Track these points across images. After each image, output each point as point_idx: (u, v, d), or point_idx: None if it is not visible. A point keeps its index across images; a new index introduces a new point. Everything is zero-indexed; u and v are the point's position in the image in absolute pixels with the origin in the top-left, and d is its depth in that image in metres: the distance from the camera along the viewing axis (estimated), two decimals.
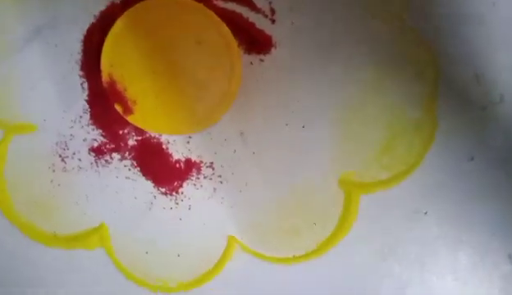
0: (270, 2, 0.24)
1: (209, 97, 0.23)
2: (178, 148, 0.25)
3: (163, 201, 0.26)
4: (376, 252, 0.25)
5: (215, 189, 0.25)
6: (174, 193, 0.26)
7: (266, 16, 0.24)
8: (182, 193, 0.26)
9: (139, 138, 0.25)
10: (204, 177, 0.25)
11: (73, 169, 0.26)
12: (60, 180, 0.26)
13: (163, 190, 0.26)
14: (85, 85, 0.25)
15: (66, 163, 0.26)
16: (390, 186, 0.24)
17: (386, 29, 0.23)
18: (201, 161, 0.25)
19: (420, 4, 0.23)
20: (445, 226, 0.24)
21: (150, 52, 0.23)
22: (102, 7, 0.24)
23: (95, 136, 0.26)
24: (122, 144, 0.26)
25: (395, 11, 0.23)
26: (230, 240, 0.26)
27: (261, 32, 0.24)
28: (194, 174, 0.25)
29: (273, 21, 0.24)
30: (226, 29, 0.23)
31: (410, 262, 0.25)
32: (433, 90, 0.23)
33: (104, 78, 0.24)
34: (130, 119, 0.24)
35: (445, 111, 0.24)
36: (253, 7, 0.24)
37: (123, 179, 0.26)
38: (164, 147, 0.25)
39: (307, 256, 0.25)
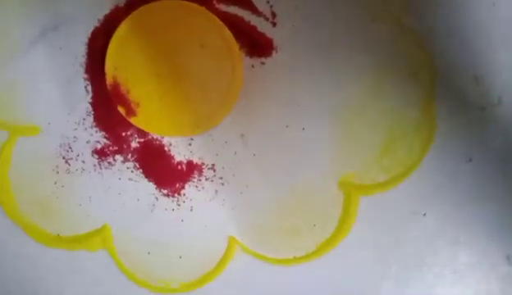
0: (271, 6, 0.24)
1: (211, 100, 0.23)
2: (180, 150, 0.25)
3: (165, 202, 0.26)
4: (375, 254, 0.25)
5: (216, 191, 0.26)
6: (176, 195, 0.26)
7: (267, 20, 0.24)
8: (184, 195, 0.26)
9: (142, 140, 0.25)
10: (206, 179, 0.25)
11: (76, 170, 0.26)
12: (63, 182, 0.26)
13: (165, 192, 0.26)
14: (89, 88, 0.25)
15: (69, 165, 0.26)
16: (389, 188, 0.24)
17: (386, 30, 0.23)
18: (203, 163, 0.25)
19: (420, 5, 0.23)
20: (443, 227, 0.24)
21: (154, 55, 0.23)
22: (107, 11, 0.25)
23: (98, 138, 0.26)
24: (125, 146, 0.26)
25: (395, 11, 0.23)
26: (231, 241, 0.26)
27: (262, 35, 0.24)
28: (196, 175, 0.25)
29: (274, 24, 0.24)
30: (228, 33, 0.23)
31: (409, 263, 0.25)
32: (431, 91, 0.23)
33: (108, 81, 0.24)
34: (132, 121, 0.24)
35: (444, 113, 0.24)
36: (255, 11, 0.24)
37: (126, 180, 0.26)
38: (166, 149, 0.25)
39: (307, 257, 0.25)
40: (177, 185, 0.26)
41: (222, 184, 0.25)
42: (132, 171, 0.26)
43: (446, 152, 0.24)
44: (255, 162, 0.25)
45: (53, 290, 0.27)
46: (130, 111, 0.24)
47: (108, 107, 0.25)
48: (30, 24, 0.25)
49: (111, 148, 0.26)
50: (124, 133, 0.26)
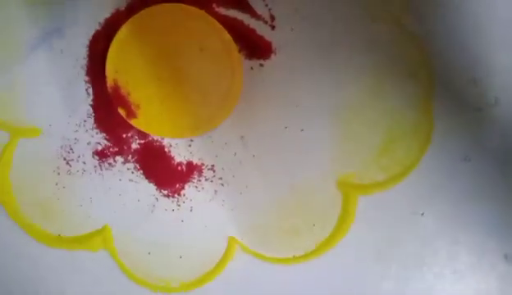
0: (270, 9, 0.24)
1: (211, 103, 0.23)
2: (180, 151, 0.25)
3: (165, 203, 0.26)
4: (374, 253, 0.25)
5: (216, 191, 0.26)
6: (176, 196, 0.26)
7: (266, 23, 0.24)
8: (184, 195, 0.26)
9: (142, 141, 0.26)
10: (206, 179, 0.26)
11: (77, 172, 0.26)
12: (64, 183, 0.26)
13: (165, 192, 0.26)
14: (90, 90, 0.26)
15: (70, 166, 0.26)
16: (387, 187, 0.24)
17: (386, 30, 0.23)
18: (202, 164, 0.25)
19: (420, 5, 0.23)
20: (442, 227, 0.24)
21: (154, 58, 0.23)
22: (108, 14, 0.25)
23: (99, 139, 0.26)
24: (125, 147, 0.26)
25: (395, 11, 0.23)
26: (231, 241, 0.26)
27: (261, 38, 0.24)
28: (196, 176, 0.26)
29: (273, 27, 0.24)
30: (227, 36, 0.23)
31: (408, 263, 0.25)
32: (430, 91, 0.23)
33: (109, 83, 0.24)
34: (133, 122, 0.24)
35: (442, 113, 0.24)
36: (254, 14, 0.24)
37: (126, 181, 0.26)
38: (166, 150, 0.25)
39: (306, 256, 0.25)
40: (177, 186, 0.26)
41: (222, 185, 0.26)
42: (132, 172, 0.26)
43: (444, 152, 0.24)
44: (255, 163, 0.25)
45: (54, 290, 0.27)
46: (131, 113, 0.24)
47: (109, 109, 0.25)
48: (32, 27, 0.25)
49: (111, 150, 0.26)
50: (124, 135, 0.26)
